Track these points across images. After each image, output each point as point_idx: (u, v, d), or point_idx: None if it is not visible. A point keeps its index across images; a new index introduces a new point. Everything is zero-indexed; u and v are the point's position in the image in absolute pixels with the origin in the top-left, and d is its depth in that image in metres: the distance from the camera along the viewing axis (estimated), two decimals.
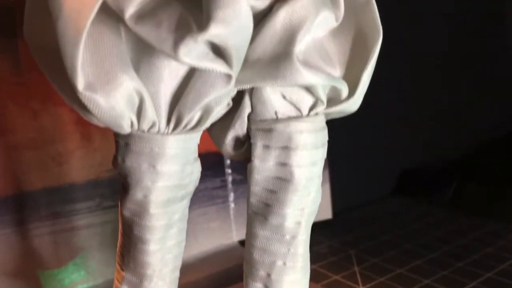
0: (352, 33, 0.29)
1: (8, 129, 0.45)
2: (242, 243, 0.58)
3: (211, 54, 0.24)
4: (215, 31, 0.23)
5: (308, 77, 0.26)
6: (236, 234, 0.59)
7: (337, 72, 0.29)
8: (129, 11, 0.24)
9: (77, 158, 0.48)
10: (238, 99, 0.29)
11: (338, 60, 0.29)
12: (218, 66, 0.25)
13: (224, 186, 0.58)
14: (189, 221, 0.32)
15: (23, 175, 0.46)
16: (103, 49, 0.24)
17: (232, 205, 0.58)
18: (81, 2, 0.24)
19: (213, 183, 0.57)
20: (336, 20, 0.29)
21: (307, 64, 0.27)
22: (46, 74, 0.26)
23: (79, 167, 0.48)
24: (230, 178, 0.58)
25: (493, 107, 0.88)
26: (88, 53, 0.24)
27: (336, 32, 0.29)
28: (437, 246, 0.57)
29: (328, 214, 0.65)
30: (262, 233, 0.30)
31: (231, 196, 0.58)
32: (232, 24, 0.23)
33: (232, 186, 0.58)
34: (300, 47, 0.27)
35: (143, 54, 0.25)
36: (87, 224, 0.49)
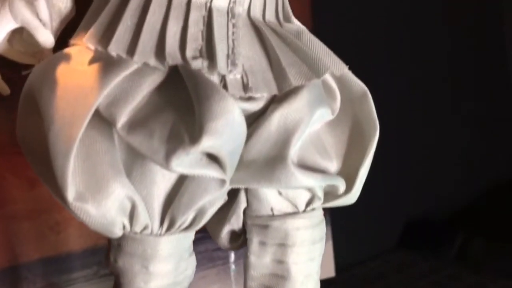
0: (349, 125, 0.29)
1: (5, 200, 0.44)
2: None
3: (204, 160, 0.24)
4: (208, 144, 0.22)
5: (303, 180, 0.26)
6: None
7: (334, 165, 0.29)
8: (121, 120, 0.24)
9: (75, 227, 0.47)
10: (233, 193, 0.28)
11: (335, 153, 0.29)
12: (211, 172, 0.24)
13: None
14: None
15: (20, 246, 0.45)
16: (95, 157, 0.24)
17: (232, 266, 0.57)
18: (72, 113, 0.23)
19: (213, 244, 0.56)
20: (333, 113, 0.28)
21: (302, 163, 0.27)
22: (38, 174, 0.26)
23: (77, 235, 0.47)
24: None
25: (499, 153, 0.87)
26: (79, 160, 0.24)
27: (332, 124, 0.29)
28: None
29: (330, 272, 0.63)
30: None
31: (232, 257, 0.57)
32: (224, 134, 0.23)
33: None
34: (295, 148, 0.26)
35: (136, 158, 0.25)
36: None
